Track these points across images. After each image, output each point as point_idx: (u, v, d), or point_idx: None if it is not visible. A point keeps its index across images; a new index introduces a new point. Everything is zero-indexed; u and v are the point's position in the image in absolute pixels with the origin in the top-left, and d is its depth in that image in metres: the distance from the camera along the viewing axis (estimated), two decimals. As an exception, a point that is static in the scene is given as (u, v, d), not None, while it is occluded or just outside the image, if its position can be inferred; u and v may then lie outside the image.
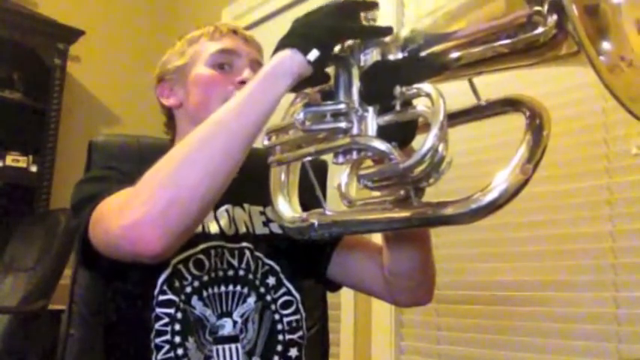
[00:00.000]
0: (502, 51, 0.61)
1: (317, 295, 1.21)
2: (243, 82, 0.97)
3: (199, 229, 0.95)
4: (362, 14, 0.72)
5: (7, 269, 2.35)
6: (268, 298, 0.97)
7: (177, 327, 0.90)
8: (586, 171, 1.52)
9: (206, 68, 1.01)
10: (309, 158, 0.75)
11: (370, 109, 0.69)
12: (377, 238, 0.97)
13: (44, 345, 2.17)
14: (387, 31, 0.71)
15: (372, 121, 0.69)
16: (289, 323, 0.97)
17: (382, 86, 0.67)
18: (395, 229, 0.82)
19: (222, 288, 0.94)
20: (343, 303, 2.04)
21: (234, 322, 0.93)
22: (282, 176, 0.82)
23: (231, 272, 0.95)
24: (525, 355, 1.56)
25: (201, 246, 0.94)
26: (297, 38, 0.71)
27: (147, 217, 0.68)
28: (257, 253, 0.98)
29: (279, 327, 0.96)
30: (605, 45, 0.55)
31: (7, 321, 2.11)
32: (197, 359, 0.89)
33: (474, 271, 1.74)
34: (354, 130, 0.69)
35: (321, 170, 1.18)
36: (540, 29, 0.56)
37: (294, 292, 0.99)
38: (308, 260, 1.01)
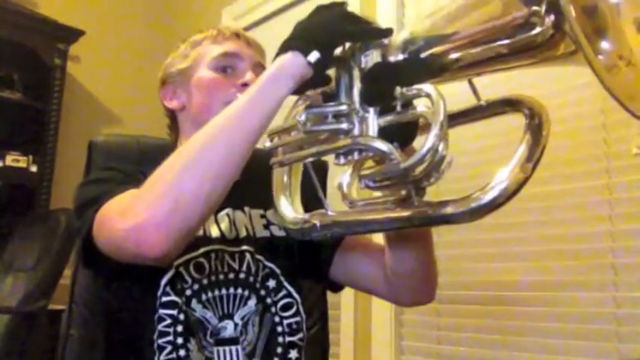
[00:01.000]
0: (500, 51, 0.62)
1: (317, 295, 1.21)
2: (245, 85, 0.97)
3: (200, 232, 0.95)
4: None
5: (7, 269, 2.35)
6: (269, 300, 0.97)
7: (180, 328, 0.90)
8: (586, 171, 1.52)
9: (209, 71, 1.01)
10: (311, 159, 0.76)
11: (371, 110, 0.69)
12: (379, 238, 0.97)
13: (44, 345, 2.17)
14: (388, 32, 0.72)
15: (373, 121, 0.69)
16: (289, 325, 0.97)
17: (383, 87, 0.68)
18: (396, 229, 0.82)
19: (223, 291, 0.94)
20: (343, 303, 2.04)
21: (235, 325, 0.93)
22: (285, 178, 0.82)
23: (231, 275, 0.95)
24: (525, 355, 1.56)
25: (202, 249, 0.94)
26: (297, 41, 0.71)
27: (150, 220, 0.69)
28: (257, 256, 0.98)
29: (280, 329, 0.96)
30: (604, 44, 0.55)
31: (7, 321, 2.11)
32: None
33: (474, 271, 1.74)
34: (356, 131, 0.69)
35: (321, 171, 1.18)
36: (538, 29, 0.56)
37: (294, 294, 0.99)
38: (309, 262, 1.01)
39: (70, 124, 2.86)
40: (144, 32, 3.27)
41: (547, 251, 1.57)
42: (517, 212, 1.62)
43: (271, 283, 0.98)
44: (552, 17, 0.54)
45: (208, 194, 0.71)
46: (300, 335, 0.98)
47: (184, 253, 0.91)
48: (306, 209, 0.81)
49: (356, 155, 0.69)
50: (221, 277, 0.94)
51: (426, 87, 0.65)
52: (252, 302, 0.95)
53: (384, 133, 0.68)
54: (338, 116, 0.70)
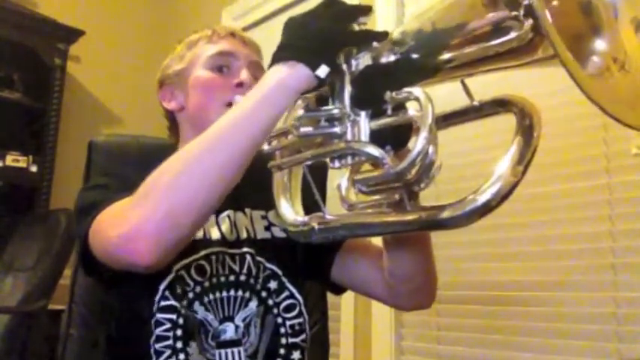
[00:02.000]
0: (484, 54, 0.62)
1: (317, 295, 1.21)
2: (240, 85, 0.97)
3: (201, 235, 0.95)
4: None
5: (7, 269, 2.35)
6: (270, 302, 0.96)
7: (179, 332, 0.90)
8: (586, 171, 1.52)
9: (205, 71, 1.01)
10: (308, 163, 0.76)
11: (362, 113, 0.69)
12: (379, 241, 0.97)
13: (44, 345, 2.17)
14: (385, 36, 0.71)
15: (365, 125, 0.69)
16: (292, 327, 0.97)
17: (373, 91, 0.67)
18: (393, 233, 0.82)
19: (224, 293, 0.94)
20: (343, 303, 2.04)
21: (236, 327, 0.93)
22: (285, 180, 0.83)
23: (232, 277, 0.95)
24: (525, 355, 1.56)
25: (203, 252, 0.94)
26: (300, 52, 0.69)
27: (141, 229, 0.69)
28: (258, 258, 0.98)
29: (282, 330, 0.96)
30: (596, 45, 0.54)
31: (7, 321, 2.11)
32: None
33: (474, 271, 1.74)
34: (348, 135, 0.69)
35: (322, 171, 1.18)
36: (514, 33, 0.56)
37: (297, 295, 0.98)
38: (310, 264, 1.01)
39: (70, 124, 2.86)
40: (144, 32, 3.27)
41: (547, 251, 1.57)
42: (517, 212, 1.62)
43: (273, 285, 0.97)
44: (530, 21, 0.54)
45: (202, 204, 0.70)
46: (303, 336, 0.98)
47: (185, 256, 0.91)
48: (309, 211, 0.80)
49: (349, 159, 0.69)
50: (222, 279, 0.94)
51: (415, 90, 0.65)
52: (253, 304, 0.95)
53: (377, 137, 0.68)
54: (330, 120, 0.70)
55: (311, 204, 0.81)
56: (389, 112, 0.67)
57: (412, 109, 0.66)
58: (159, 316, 0.90)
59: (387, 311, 1.89)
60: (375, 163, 0.68)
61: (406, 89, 0.65)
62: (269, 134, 0.73)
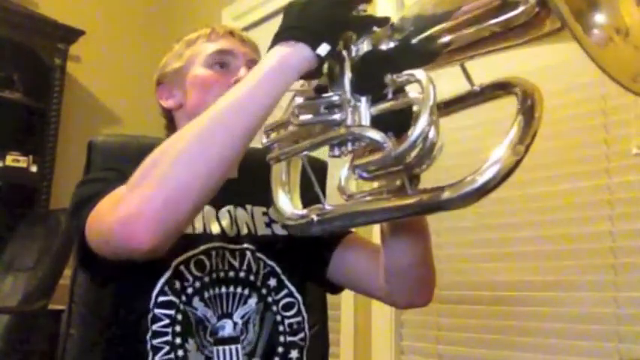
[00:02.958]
0: (488, 32, 0.61)
1: (317, 294, 1.21)
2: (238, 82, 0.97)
3: (201, 229, 0.95)
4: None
5: (7, 269, 2.35)
6: (269, 299, 0.96)
7: (178, 328, 0.89)
8: (586, 171, 1.52)
9: (203, 69, 1.01)
10: (306, 153, 0.75)
11: (363, 99, 0.68)
12: (377, 240, 0.96)
13: (44, 345, 2.17)
14: (386, 21, 0.71)
15: (366, 111, 0.68)
16: (290, 325, 0.96)
17: (373, 75, 0.67)
18: (393, 219, 0.81)
19: (223, 289, 0.93)
20: (343, 303, 2.04)
21: (235, 324, 0.92)
22: (283, 173, 0.82)
23: (231, 273, 0.95)
24: (525, 355, 1.56)
25: (202, 247, 0.94)
26: (302, 31, 0.69)
27: (140, 214, 0.67)
28: (258, 255, 0.97)
29: (281, 329, 0.96)
30: (597, 17, 0.53)
31: (7, 321, 2.11)
32: None
33: (474, 271, 1.74)
34: (348, 121, 0.68)
35: (321, 171, 1.18)
36: (521, 8, 0.55)
37: (295, 293, 0.98)
38: (309, 262, 1.01)
39: (70, 124, 2.86)
40: (144, 32, 3.27)
41: (547, 251, 1.57)
42: (517, 212, 1.62)
43: (272, 282, 0.97)
44: None
45: (201, 188, 0.68)
46: (302, 335, 0.98)
47: (184, 251, 0.91)
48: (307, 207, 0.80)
49: (350, 146, 0.68)
50: (221, 275, 0.94)
51: (417, 72, 0.64)
52: (252, 301, 0.94)
53: (378, 122, 0.67)
54: (330, 107, 0.69)
55: (309, 201, 0.81)
56: (389, 96, 0.66)
57: (413, 92, 0.66)
58: (157, 311, 0.89)
59: (387, 311, 1.89)
60: (376, 147, 0.67)
61: (407, 72, 0.65)
62: (270, 114, 0.70)
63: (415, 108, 0.67)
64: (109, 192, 0.78)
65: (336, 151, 0.70)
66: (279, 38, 0.70)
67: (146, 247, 0.68)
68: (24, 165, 2.65)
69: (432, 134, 0.62)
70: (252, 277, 0.96)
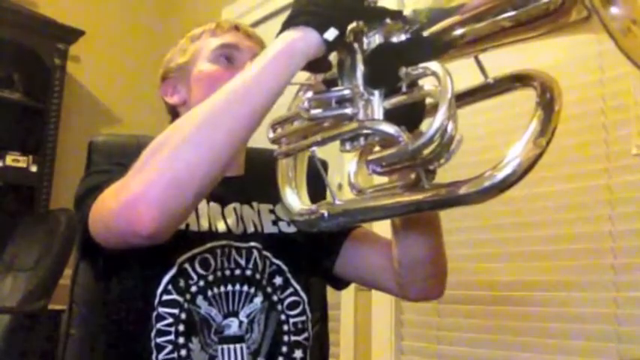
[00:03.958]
0: (511, 23, 0.59)
1: (319, 294, 1.21)
2: None
3: (206, 227, 0.94)
4: None
5: (7, 269, 2.35)
6: (275, 298, 0.95)
7: (182, 327, 0.88)
8: (586, 171, 1.52)
9: (208, 64, 1.01)
10: (316, 148, 0.73)
11: (376, 92, 0.67)
12: (387, 234, 0.95)
13: (44, 345, 2.17)
14: (398, 14, 0.69)
15: (379, 104, 0.66)
16: (295, 324, 0.96)
17: (387, 68, 0.65)
18: (407, 214, 0.78)
19: (229, 287, 0.92)
20: (343, 303, 2.03)
21: (240, 322, 0.91)
22: (290, 169, 0.81)
23: (238, 272, 0.94)
24: (525, 355, 1.56)
25: (208, 245, 0.93)
26: (310, 16, 0.67)
27: (144, 196, 0.66)
28: (265, 253, 0.96)
29: (285, 328, 0.95)
30: (614, 10, 0.53)
31: (7, 321, 2.11)
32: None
33: (474, 271, 1.73)
34: (360, 115, 0.66)
35: (323, 167, 1.18)
36: None
37: (301, 292, 0.97)
38: (316, 259, 1.00)
39: (70, 124, 2.86)
40: (144, 32, 3.27)
41: (547, 251, 1.57)
42: (517, 212, 1.62)
43: (278, 281, 0.96)
44: None
45: (206, 173, 0.67)
46: (306, 335, 0.97)
47: (189, 249, 0.91)
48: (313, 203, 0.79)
49: (362, 141, 0.66)
50: (227, 273, 0.93)
51: (432, 65, 0.62)
52: (258, 300, 0.93)
53: (391, 116, 0.66)
54: (342, 101, 0.67)
55: (311, 198, 0.80)
56: (403, 89, 0.65)
57: (428, 84, 0.64)
58: (161, 310, 0.88)
59: (387, 311, 1.89)
60: (389, 142, 0.65)
61: (422, 64, 0.63)
62: (277, 99, 0.69)
63: (430, 101, 0.65)
64: (113, 182, 0.77)
65: (348, 146, 0.68)
66: (287, 24, 0.69)
67: (146, 232, 0.67)
68: (24, 165, 2.65)
69: (450, 128, 0.60)
70: (258, 276, 0.95)
